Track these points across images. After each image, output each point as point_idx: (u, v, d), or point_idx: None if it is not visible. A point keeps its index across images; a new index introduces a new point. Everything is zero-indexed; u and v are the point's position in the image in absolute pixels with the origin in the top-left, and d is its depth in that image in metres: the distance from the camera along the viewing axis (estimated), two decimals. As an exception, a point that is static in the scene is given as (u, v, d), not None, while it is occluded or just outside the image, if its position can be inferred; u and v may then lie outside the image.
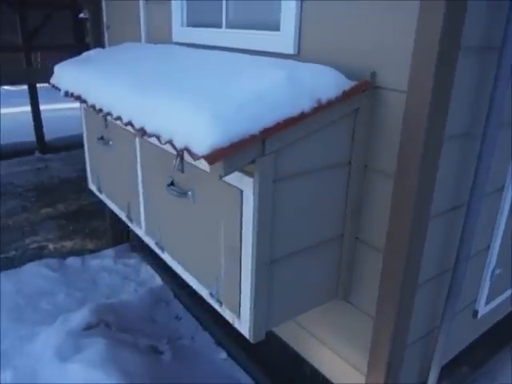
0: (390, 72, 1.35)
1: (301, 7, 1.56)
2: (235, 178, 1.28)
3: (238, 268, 1.38)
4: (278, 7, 1.66)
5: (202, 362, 2.64)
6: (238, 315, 1.45)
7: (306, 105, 1.24)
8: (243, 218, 1.31)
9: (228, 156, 1.12)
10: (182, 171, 1.53)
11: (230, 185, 1.32)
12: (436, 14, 1.16)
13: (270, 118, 1.19)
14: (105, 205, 3.68)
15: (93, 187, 2.58)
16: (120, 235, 3.78)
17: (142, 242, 3.64)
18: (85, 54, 2.37)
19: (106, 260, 3.59)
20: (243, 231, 1.32)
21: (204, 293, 1.63)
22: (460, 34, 1.22)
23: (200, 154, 1.11)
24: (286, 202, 1.33)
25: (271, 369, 2.34)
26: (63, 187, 5.34)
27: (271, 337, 1.96)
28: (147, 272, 3.46)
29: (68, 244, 3.95)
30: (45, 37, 7.46)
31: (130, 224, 2.15)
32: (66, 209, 4.70)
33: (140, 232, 2.06)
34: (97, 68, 1.94)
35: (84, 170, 5.94)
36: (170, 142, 1.24)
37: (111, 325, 2.73)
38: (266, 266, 1.34)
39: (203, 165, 1.39)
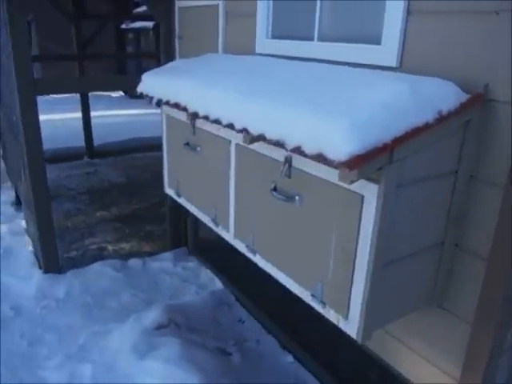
0: (503, 85, 1.40)
1: (406, 21, 1.63)
2: (356, 184, 1.34)
3: (350, 270, 1.44)
4: (377, 21, 1.74)
5: (269, 364, 2.69)
6: (346, 316, 1.50)
7: (429, 116, 1.30)
8: (361, 222, 1.37)
9: (363, 163, 1.19)
10: (289, 177, 1.61)
11: (349, 190, 1.38)
12: None
13: (397, 128, 1.25)
14: (163, 210, 3.82)
15: (170, 191, 2.68)
16: (178, 239, 3.88)
17: (201, 246, 3.75)
18: (170, 64, 2.49)
19: (165, 263, 3.70)
20: (360, 235, 1.39)
21: (304, 294, 1.69)
22: None
23: (337, 161, 1.19)
24: (401, 208, 1.38)
25: (348, 374, 2.38)
26: (114, 191, 5.51)
27: (348, 341, 2.00)
28: (207, 275, 3.54)
29: (126, 246, 4.08)
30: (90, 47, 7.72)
31: (215, 228, 2.23)
32: (119, 212, 4.85)
33: (227, 235, 2.13)
34: (194, 77, 2.04)
35: (131, 176, 6.11)
36: (298, 148, 1.32)
37: (180, 325, 2.82)
38: (380, 269, 1.40)
39: (316, 170, 1.47)
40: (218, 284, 3.43)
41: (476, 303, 1.60)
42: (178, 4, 3.17)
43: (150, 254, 3.84)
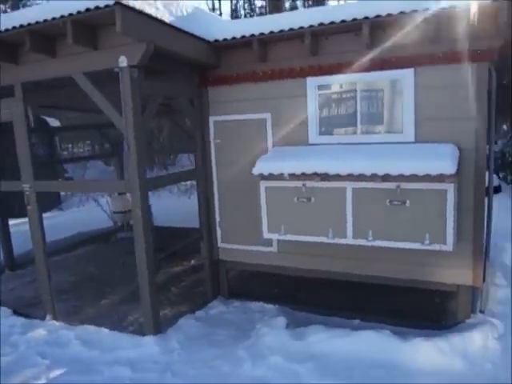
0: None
1: (415, 123, 3.84)
2: (443, 185, 3.40)
3: (444, 222, 3.46)
4: (400, 121, 3.90)
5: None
6: (445, 242, 3.49)
7: (455, 153, 3.52)
8: (447, 202, 3.44)
9: (456, 174, 3.28)
10: (399, 193, 3.55)
11: (438, 190, 3.44)
12: None
13: (456, 158, 3.41)
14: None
15: (270, 235, 4.11)
16: (215, 290, 5.00)
17: (232, 290, 4.96)
18: (270, 154, 4.07)
19: (219, 308, 4.79)
20: (447, 207, 3.44)
21: (414, 245, 3.59)
22: None
23: (449, 174, 3.25)
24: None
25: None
26: (83, 287, 5.79)
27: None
28: (256, 305, 4.80)
29: (168, 312, 4.83)
30: None
31: (330, 240, 3.86)
32: (124, 295, 5.31)
33: (344, 240, 3.81)
34: (315, 156, 3.76)
35: (79, 274, 6.38)
36: (427, 176, 3.31)
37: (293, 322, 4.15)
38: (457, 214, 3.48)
39: (415, 186, 3.48)
40: (270, 306, 4.74)
41: None
42: (212, 118, 4.69)
43: (198, 308, 4.77)
